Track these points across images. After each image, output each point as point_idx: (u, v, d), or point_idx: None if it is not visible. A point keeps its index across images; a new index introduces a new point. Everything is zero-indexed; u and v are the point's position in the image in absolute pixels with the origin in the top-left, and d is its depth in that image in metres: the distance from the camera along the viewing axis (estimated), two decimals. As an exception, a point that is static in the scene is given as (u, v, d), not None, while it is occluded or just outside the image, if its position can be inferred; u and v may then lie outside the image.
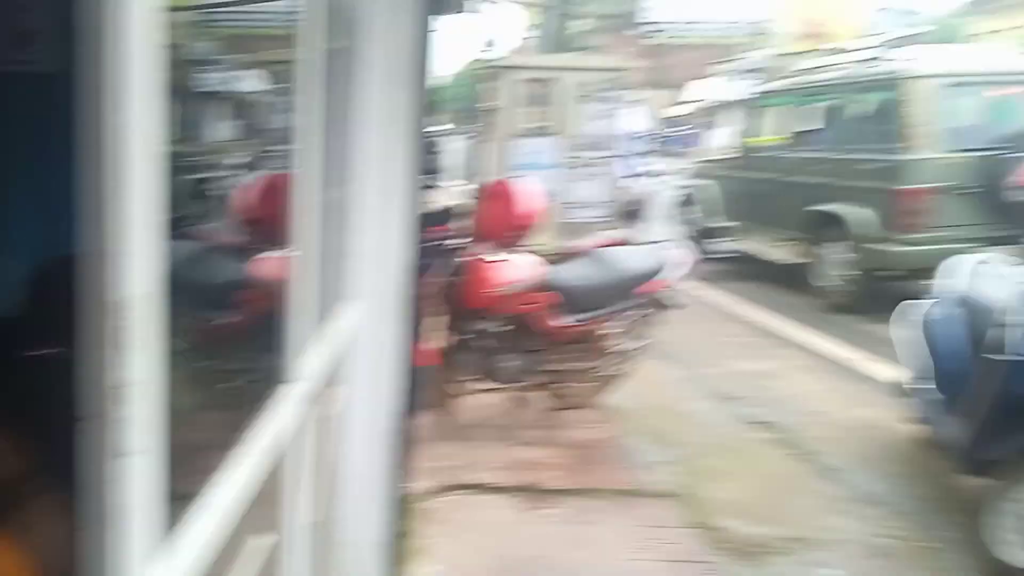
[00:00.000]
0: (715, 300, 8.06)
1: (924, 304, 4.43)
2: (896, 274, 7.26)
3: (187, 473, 1.18)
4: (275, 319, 1.89)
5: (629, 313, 4.54)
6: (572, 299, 4.29)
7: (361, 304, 2.59)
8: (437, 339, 4.34)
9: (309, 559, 1.92)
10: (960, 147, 6.96)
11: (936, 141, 6.93)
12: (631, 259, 4.55)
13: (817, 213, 7.77)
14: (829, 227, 7.61)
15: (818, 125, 8.37)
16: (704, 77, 29.57)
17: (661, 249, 4.72)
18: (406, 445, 2.63)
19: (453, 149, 16.29)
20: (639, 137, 13.74)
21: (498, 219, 4.18)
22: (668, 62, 37.98)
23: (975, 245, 6.33)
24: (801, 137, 8.53)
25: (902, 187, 6.93)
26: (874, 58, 7.72)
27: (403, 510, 2.63)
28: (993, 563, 3.25)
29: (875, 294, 7.29)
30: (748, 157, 9.33)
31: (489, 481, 3.88)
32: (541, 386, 4.52)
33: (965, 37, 38.27)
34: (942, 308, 4.22)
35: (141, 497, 0.92)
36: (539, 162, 8.20)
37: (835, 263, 7.61)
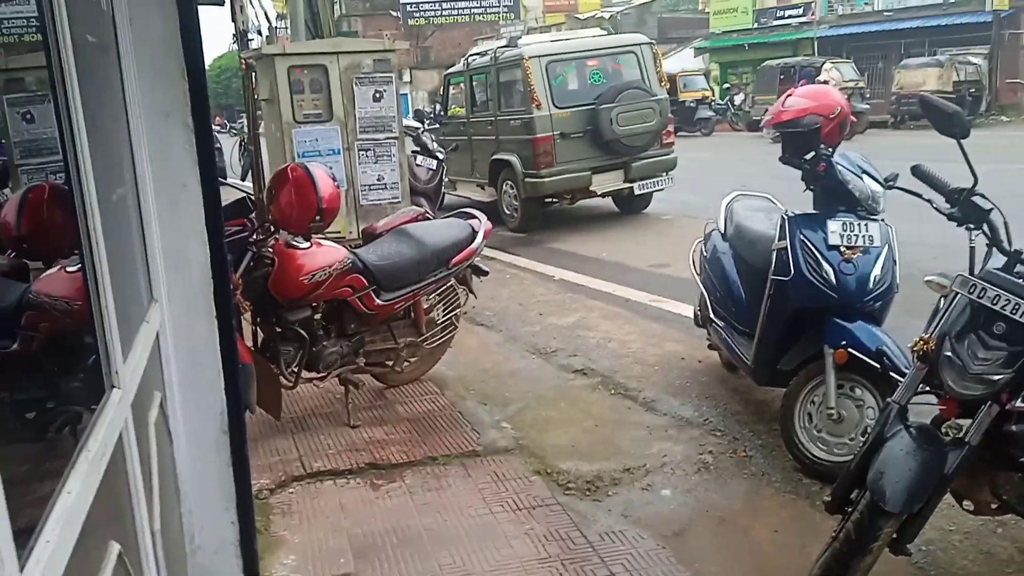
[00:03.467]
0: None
1: (700, 244, 4.85)
2: (544, 199, 10.23)
3: (21, 495, 1.10)
4: (78, 334, 1.77)
5: (443, 284, 4.60)
6: (386, 277, 4.27)
7: (168, 306, 2.46)
8: (251, 334, 4.20)
9: (157, 567, 1.83)
10: (567, 104, 9.86)
11: (549, 101, 9.74)
12: (437, 232, 4.60)
13: (496, 161, 10.55)
14: (504, 170, 10.40)
15: (483, 96, 11.14)
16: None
17: (463, 218, 4.79)
18: (239, 443, 2.54)
19: (227, 144, 15.62)
20: (419, 116, 14.10)
21: (297, 206, 4.05)
22: (432, 42, 38.23)
23: (588, 172, 9.89)
24: (474, 106, 11.32)
25: (534, 136, 9.69)
26: (507, 45, 10.58)
27: (248, 508, 2.55)
28: (795, 461, 3.63)
29: (536, 216, 10.32)
30: (447, 124, 12.08)
31: (331, 467, 3.83)
32: (366, 367, 4.48)
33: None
34: (713, 244, 4.64)
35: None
36: (321, 149, 8.04)
37: (510, 196, 10.43)
